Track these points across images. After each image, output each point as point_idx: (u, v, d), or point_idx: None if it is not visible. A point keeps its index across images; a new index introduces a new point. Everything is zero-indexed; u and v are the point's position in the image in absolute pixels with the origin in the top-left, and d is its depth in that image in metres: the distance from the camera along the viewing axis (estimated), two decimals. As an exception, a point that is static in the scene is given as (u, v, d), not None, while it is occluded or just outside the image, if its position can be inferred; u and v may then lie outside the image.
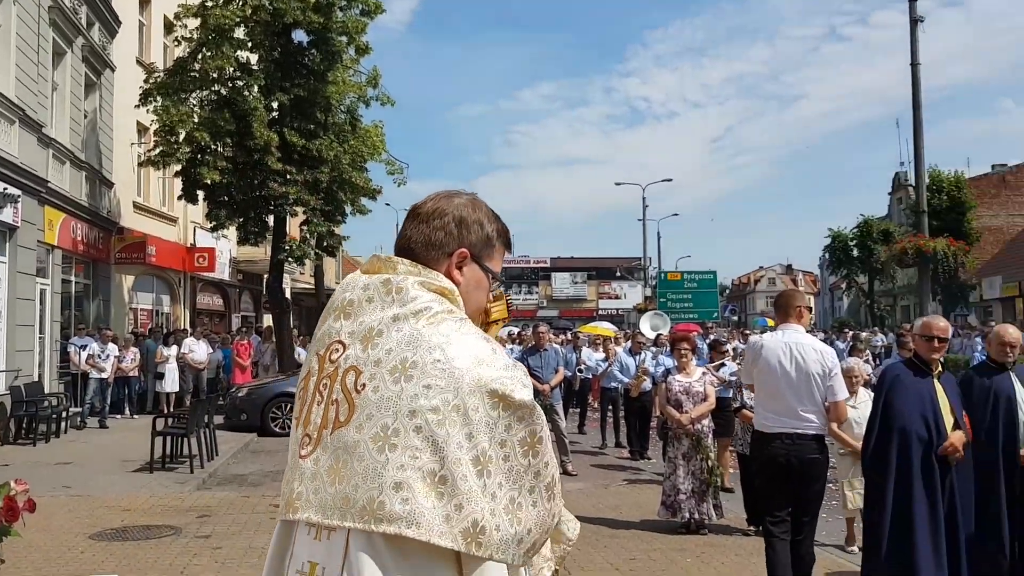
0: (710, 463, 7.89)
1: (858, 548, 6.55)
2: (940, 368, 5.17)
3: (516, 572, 1.63)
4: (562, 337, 23.74)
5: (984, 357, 6.10)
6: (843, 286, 52.22)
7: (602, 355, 16.38)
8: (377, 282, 1.78)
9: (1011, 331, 5.76)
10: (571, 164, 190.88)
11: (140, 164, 20.32)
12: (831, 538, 7.40)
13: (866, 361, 13.11)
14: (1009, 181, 49.79)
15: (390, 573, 1.56)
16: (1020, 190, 49.25)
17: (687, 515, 7.74)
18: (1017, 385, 5.32)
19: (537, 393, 10.63)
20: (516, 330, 25.31)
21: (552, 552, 2.02)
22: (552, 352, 11.43)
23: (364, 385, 1.66)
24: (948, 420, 4.95)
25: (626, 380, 12.94)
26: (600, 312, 66.54)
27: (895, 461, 4.90)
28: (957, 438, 4.90)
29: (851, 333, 22.73)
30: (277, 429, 15.08)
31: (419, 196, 1.96)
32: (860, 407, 6.79)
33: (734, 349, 13.11)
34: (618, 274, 76.28)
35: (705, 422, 8.10)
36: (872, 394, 5.99)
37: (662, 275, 33.84)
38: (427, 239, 1.83)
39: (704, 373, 8.60)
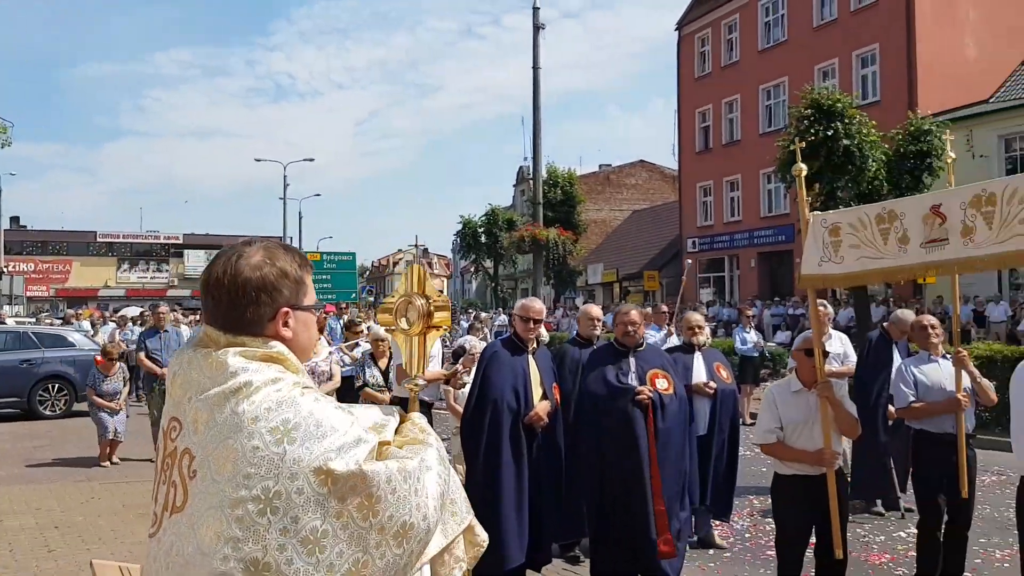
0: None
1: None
2: (536, 344, 5.74)
3: None
4: (192, 317, 22.64)
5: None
6: (472, 270, 55.49)
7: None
8: (199, 356, 1.74)
9: (594, 309, 6.85)
10: (209, 136, 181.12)
11: None
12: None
13: (483, 339, 14.17)
14: (612, 179, 56.33)
15: None
16: (621, 187, 55.95)
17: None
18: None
19: (156, 377, 10.13)
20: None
21: (465, 553, 2.05)
22: (173, 333, 10.96)
23: (195, 472, 1.65)
24: (537, 392, 5.51)
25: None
26: (235, 292, 63.94)
27: (487, 429, 5.38)
28: (542, 408, 5.47)
29: (473, 313, 24.42)
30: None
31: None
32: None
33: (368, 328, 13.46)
34: (255, 253, 73.70)
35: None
36: None
37: (300, 255, 33.43)
38: (240, 319, 1.77)
39: (331, 352, 8.83)
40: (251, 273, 1.77)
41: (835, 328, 9.27)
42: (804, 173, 5.41)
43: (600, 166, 57.91)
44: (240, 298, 1.76)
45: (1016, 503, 3.51)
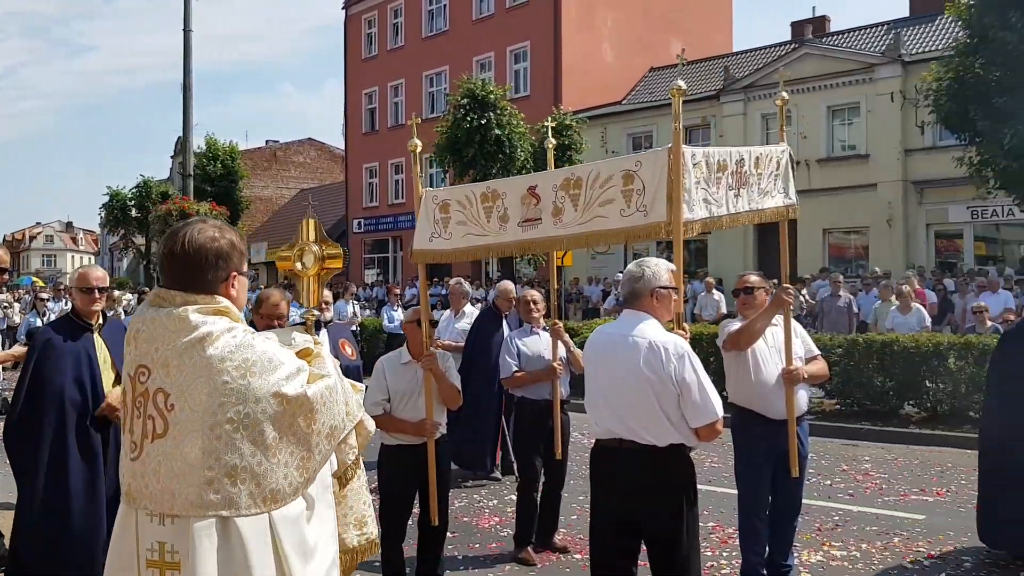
0: None
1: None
2: (103, 319, 4.78)
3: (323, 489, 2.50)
4: None
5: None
6: (122, 246, 51.16)
7: None
8: (162, 315, 2.28)
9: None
10: None
11: None
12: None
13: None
14: (280, 156, 54.68)
15: (223, 545, 2.19)
16: (288, 165, 54.52)
17: None
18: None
19: None
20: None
21: (356, 441, 3.07)
22: None
23: (173, 405, 2.22)
24: (109, 376, 4.56)
25: None
26: None
27: (47, 435, 4.38)
28: (115, 397, 4.44)
29: (132, 295, 22.58)
30: None
31: None
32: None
33: None
34: None
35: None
36: None
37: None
38: (201, 281, 2.32)
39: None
40: (210, 244, 2.33)
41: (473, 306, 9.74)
42: (419, 149, 5.53)
43: (267, 142, 55.96)
44: (202, 264, 2.31)
45: (589, 465, 3.87)
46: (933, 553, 5.92)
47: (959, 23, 15.80)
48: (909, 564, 5.73)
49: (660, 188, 4.07)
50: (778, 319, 5.06)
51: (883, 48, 23.74)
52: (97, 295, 4.63)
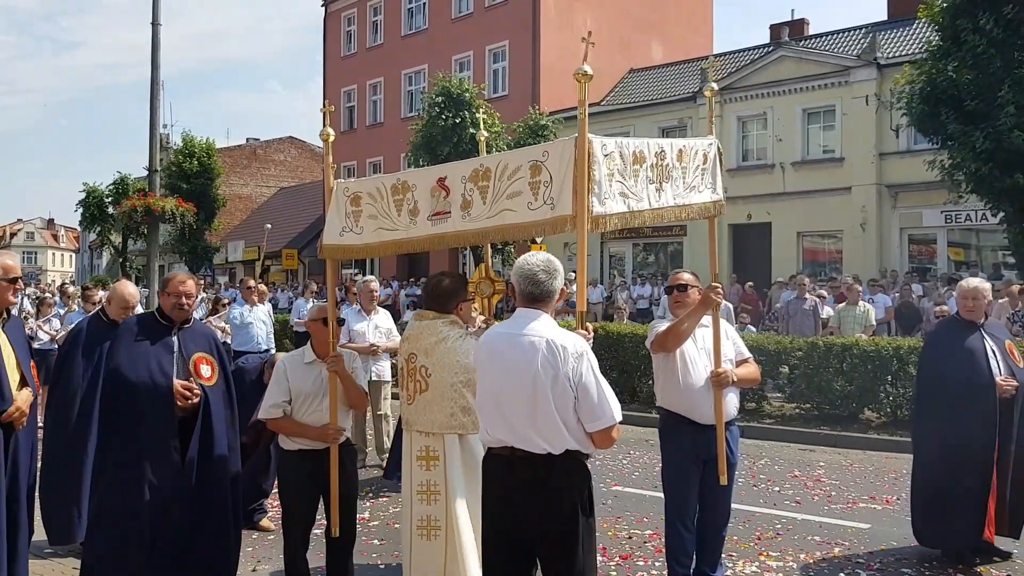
0: None
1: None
2: (7, 316, 4.63)
3: None
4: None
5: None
6: (99, 243, 50.63)
7: None
8: (424, 324, 4.68)
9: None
10: None
11: None
12: None
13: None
14: (260, 154, 54.22)
15: (461, 449, 4.50)
16: (268, 163, 54.06)
17: None
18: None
19: None
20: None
21: None
22: None
23: (431, 374, 4.52)
24: (13, 377, 4.37)
25: None
26: None
27: None
28: (23, 398, 4.33)
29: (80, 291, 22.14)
30: None
31: None
32: None
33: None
34: None
35: None
36: None
37: None
38: (443, 305, 4.70)
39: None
40: (449, 287, 4.73)
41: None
42: (331, 138, 5.25)
43: (248, 139, 55.51)
44: (444, 298, 4.70)
45: (482, 475, 3.64)
46: (872, 564, 5.70)
47: (933, 26, 15.67)
48: (844, 575, 5.52)
49: (567, 179, 3.83)
50: (709, 320, 4.87)
51: (859, 51, 23.63)
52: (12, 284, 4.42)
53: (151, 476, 4.30)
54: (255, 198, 51.93)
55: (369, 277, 9.64)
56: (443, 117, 23.75)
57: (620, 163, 4.08)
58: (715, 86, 5.26)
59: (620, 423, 3.42)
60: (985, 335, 5.79)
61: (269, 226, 39.62)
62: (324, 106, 5.52)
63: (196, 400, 4.45)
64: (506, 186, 4.12)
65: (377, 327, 8.55)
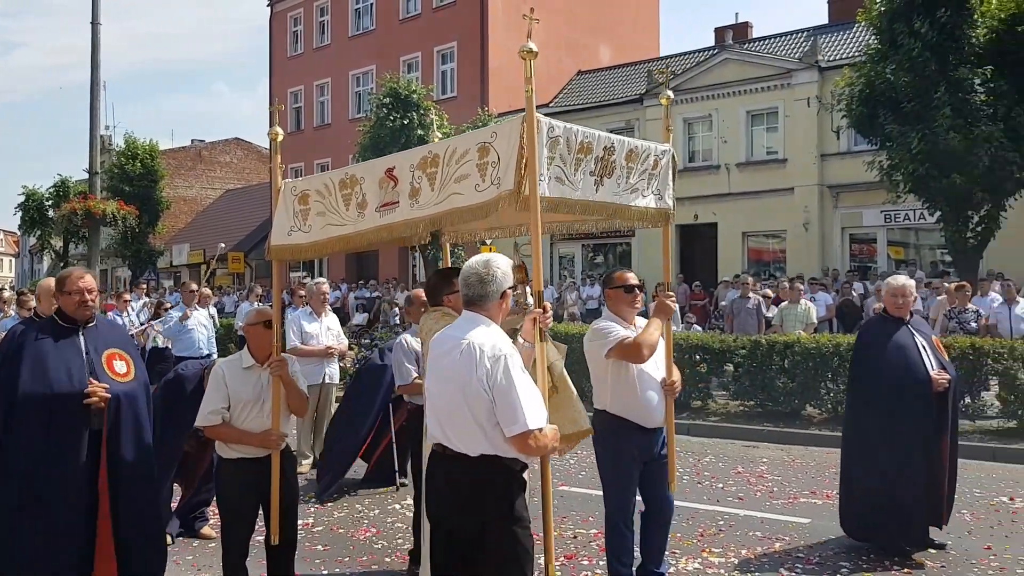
0: None
1: None
2: None
3: None
4: None
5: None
6: (39, 248, 49.37)
7: None
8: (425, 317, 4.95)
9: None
10: None
11: None
12: None
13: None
14: (205, 156, 53.36)
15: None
16: (214, 165, 53.22)
17: None
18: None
19: None
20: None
21: None
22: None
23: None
24: None
25: None
26: None
27: None
28: None
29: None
30: None
31: None
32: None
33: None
34: None
35: None
36: None
37: None
38: (433, 300, 4.97)
39: None
40: (431, 284, 5.16)
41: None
42: (280, 137, 5.19)
43: (193, 141, 54.58)
44: (431, 293, 5.07)
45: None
46: (812, 558, 5.80)
47: (871, 30, 16.01)
48: (785, 571, 5.59)
49: (513, 158, 3.78)
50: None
51: (801, 54, 24.05)
52: None
53: (62, 482, 4.15)
54: (200, 200, 51.08)
55: (320, 279, 9.56)
56: (391, 118, 23.59)
57: (564, 148, 4.06)
58: (671, 94, 5.24)
59: (542, 428, 3.31)
60: (914, 331, 5.94)
61: (223, 245, 39.03)
62: (273, 105, 5.44)
63: (105, 397, 4.24)
64: (454, 170, 4.05)
65: (329, 328, 8.53)
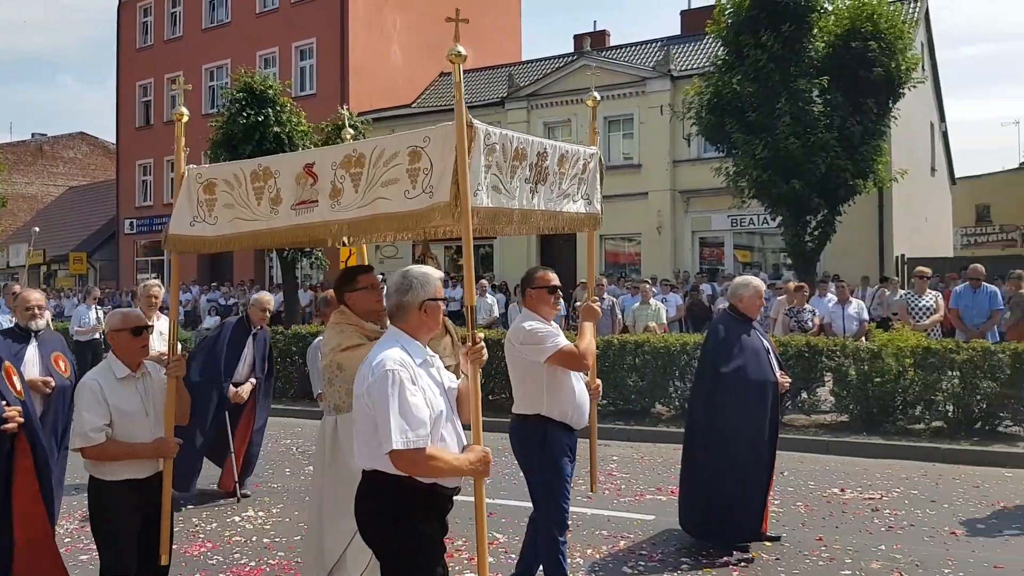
0: None
1: None
2: None
3: None
4: None
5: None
6: None
7: None
8: None
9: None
10: None
11: None
12: None
13: None
14: (47, 151, 50.28)
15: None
16: (57, 161, 50.20)
17: None
18: None
19: None
20: None
21: None
22: None
23: None
24: None
25: None
26: None
27: None
28: None
29: None
30: None
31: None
32: None
33: None
34: None
35: None
36: None
37: None
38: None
39: None
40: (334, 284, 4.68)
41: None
42: (185, 118, 4.74)
43: (33, 135, 51.29)
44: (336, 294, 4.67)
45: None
46: (655, 555, 5.91)
47: (719, 41, 16.64)
48: (628, 569, 5.67)
49: (448, 167, 3.62)
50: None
51: (655, 63, 24.80)
52: None
53: None
54: (41, 198, 48.08)
55: (152, 281, 8.97)
56: (244, 114, 22.77)
57: (500, 156, 3.96)
58: (597, 95, 5.21)
59: (421, 448, 3.17)
60: (760, 332, 6.15)
61: (36, 229, 36.73)
62: (179, 83, 5.05)
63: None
64: (381, 173, 3.85)
65: (161, 333, 8.01)
